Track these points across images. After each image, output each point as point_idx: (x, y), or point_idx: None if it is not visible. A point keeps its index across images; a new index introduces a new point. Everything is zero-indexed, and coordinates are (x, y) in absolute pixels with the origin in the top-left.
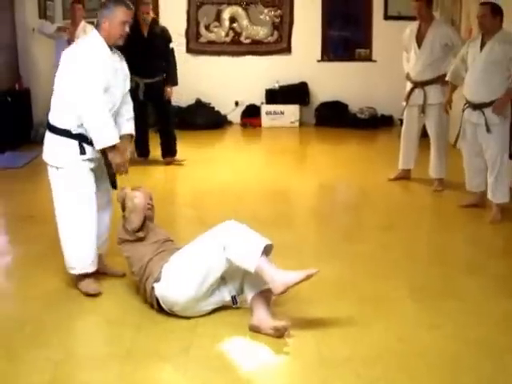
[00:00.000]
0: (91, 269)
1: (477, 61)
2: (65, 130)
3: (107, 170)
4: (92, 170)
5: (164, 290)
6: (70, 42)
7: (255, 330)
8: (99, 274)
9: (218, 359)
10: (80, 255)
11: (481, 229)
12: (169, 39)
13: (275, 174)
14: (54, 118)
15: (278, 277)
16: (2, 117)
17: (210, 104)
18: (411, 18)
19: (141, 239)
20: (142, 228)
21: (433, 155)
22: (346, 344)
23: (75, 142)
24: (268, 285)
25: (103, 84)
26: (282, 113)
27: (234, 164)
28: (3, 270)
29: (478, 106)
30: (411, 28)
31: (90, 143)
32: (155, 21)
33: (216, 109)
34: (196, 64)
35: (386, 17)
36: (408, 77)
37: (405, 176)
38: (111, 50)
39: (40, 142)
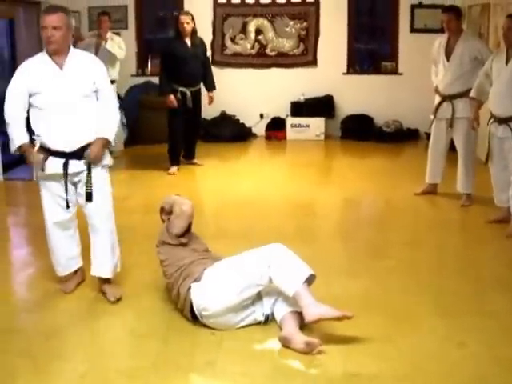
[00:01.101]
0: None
1: (502, 75)
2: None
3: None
4: (57, 185)
5: (201, 292)
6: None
7: (285, 342)
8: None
9: (245, 375)
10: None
11: (509, 244)
12: (206, 48)
13: (300, 187)
14: None
15: (313, 307)
16: (27, 128)
17: (234, 116)
18: (438, 31)
19: (182, 245)
20: (184, 234)
21: (460, 170)
22: (373, 361)
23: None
24: (301, 310)
25: (20, 89)
26: (308, 126)
27: (259, 177)
28: (26, 282)
29: (503, 120)
30: (440, 41)
31: (57, 155)
32: (195, 31)
33: (241, 121)
34: (221, 76)
35: (413, 29)
36: (436, 90)
37: (432, 190)
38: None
39: None
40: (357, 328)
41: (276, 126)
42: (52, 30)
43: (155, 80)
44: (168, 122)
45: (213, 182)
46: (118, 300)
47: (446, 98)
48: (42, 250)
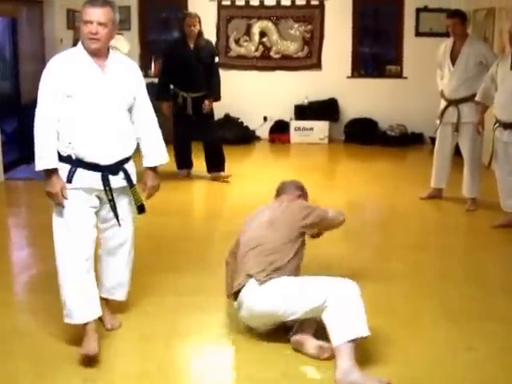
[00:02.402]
0: (74, 320)
1: (507, 80)
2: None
3: (109, 202)
4: (89, 205)
5: (259, 291)
6: None
7: (297, 345)
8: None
9: (251, 379)
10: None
11: None
12: (214, 53)
13: None
14: None
15: (347, 374)
16: (29, 128)
17: (238, 119)
18: (443, 35)
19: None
20: None
21: (466, 174)
22: (380, 365)
23: (66, 167)
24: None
25: (55, 91)
26: (311, 129)
27: (262, 180)
28: (29, 284)
29: (508, 125)
30: (445, 45)
31: (87, 168)
32: (201, 34)
33: (244, 124)
34: (225, 78)
35: (418, 33)
36: (442, 94)
37: (437, 195)
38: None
39: None
40: None
41: (280, 129)
42: (98, 27)
43: None
44: (172, 127)
45: (215, 184)
46: (112, 329)
47: (451, 103)
48: (43, 251)
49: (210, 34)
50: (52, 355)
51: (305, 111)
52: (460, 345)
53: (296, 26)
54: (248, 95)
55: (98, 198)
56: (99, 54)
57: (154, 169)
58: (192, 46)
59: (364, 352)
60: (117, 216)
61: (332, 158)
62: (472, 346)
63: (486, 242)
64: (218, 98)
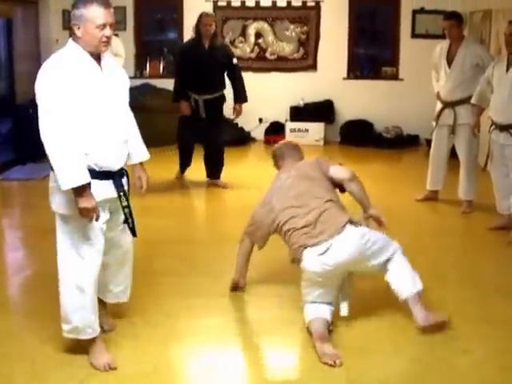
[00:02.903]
0: (81, 335)
1: (503, 82)
2: None
3: (123, 209)
4: (101, 223)
5: (350, 237)
6: None
7: (316, 338)
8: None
9: (243, 381)
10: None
11: (511, 251)
12: (232, 54)
13: None
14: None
15: (428, 316)
16: (24, 128)
17: (233, 120)
18: (439, 37)
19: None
20: None
21: (462, 176)
22: (376, 368)
23: None
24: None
25: (65, 97)
26: (307, 130)
27: (257, 181)
28: (25, 285)
29: (504, 127)
30: (441, 46)
31: (102, 178)
32: (216, 34)
33: (240, 125)
34: None
35: (414, 35)
36: (438, 96)
37: (433, 197)
38: (97, 58)
39: None
40: (359, 335)
41: (275, 131)
42: (110, 29)
43: (154, 82)
44: (177, 131)
45: (212, 187)
46: (111, 330)
47: (447, 105)
48: (38, 253)
49: None
50: (47, 356)
51: (300, 113)
52: (456, 347)
53: (292, 27)
54: None
55: (109, 209)
56: (98, 55)
57: (141, 164)
58: (207, 46)
59: (359, 354)
60: (132, 222)
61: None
62: (468, 348)
63: (481, 244)
64: (245, 99)
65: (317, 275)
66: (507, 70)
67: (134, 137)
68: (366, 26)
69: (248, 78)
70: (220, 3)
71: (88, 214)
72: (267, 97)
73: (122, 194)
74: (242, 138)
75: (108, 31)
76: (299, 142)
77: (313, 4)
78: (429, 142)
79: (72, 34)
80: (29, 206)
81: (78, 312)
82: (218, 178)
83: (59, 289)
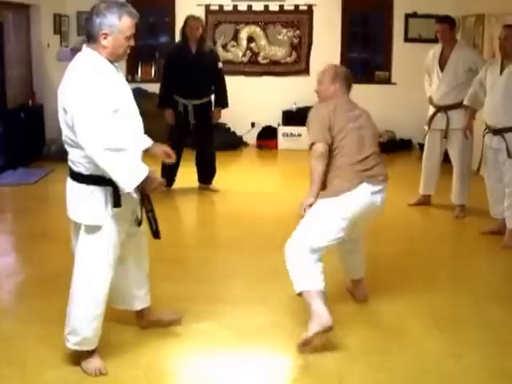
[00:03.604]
0: (88, 347)
1: (496, 85)
2: (92, 175)
3: (147, 214)
4: (123, 225)
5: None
6: None
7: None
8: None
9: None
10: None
11: (504, 256)
12: (218, 58)
13: (291, 196)
14: (76, 163)
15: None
16: (15, 133)
17: (225, 125)
18: (432, 41)
19: None
20: None
21: (455, 181)
22: (369, 372)
23: (108, 190)
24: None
25: (110, 108)
26: (299, 135)
27: (250, 185)
28: (16, 289)
29: (498, 131)
30: (434, 51)
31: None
32: (203, 38)
33: (232, 130)
34: None
35: (407, 39)
36: (430, 101)
37: (425, 201)
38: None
39: (52, 158)
40: (352, 339)
41: (267, 135)
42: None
43: (145, 86)
44: (168, 136)
45: (202, 191)
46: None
47: (440, 109)
48: (29, 257)
49: None
50: (39, 361)
51: (293, 117)
52: (448, 352)
53: (284, 31)
54: (235, 101)
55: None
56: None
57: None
58: (194, 50)
59: (352, 358)
60: (156, 225)
61: None
62: (460, 353)
63: (474, 248)
64: (225, 105)
65: (356, 213)
66: (500, 73)
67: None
68: (359, 30)
69: (240, 82)
70: (212, 7)
71: (159, 189)
72: (259, 101)
73: (146, 198)
74: (234, 143)
75: (132, 41)
76: (291, 146)
77: (305, 8)
78: (422, 146)
79: (90, 41)
80: (20, 211)
81: (92, 323)
82: (210, 183)
83: (73, 300)
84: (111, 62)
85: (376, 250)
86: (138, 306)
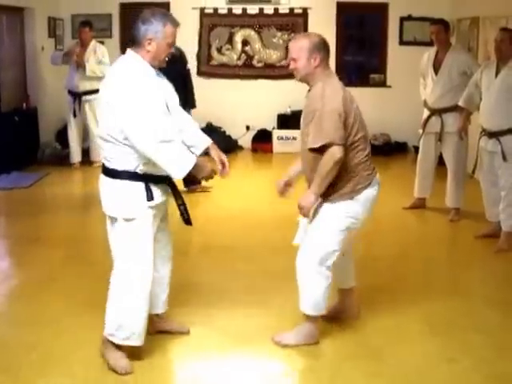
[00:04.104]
0: (141, 341)
1: (492, 88)
2: (127, 171)
3: (179, 207)
4: (155, 219)
5: None
6: (78, 64)
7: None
8: (160, 333)
9: None
10: (133, 324)
11: (499, 260)
12: (186, 60)
13: (286, 200)
14: (111, 159)
15: None
16: (9, 136)
17: (221, 128)
18: (427, 44)
19: None
20: None
21: (450, 184)
22: (363, 377)
23: (141, 185)
24: None
25: (158, 105)
26: (294, 138)
27: (245, 189)
28: (9, 294)
29: (493, 134)
30: (428, 54)
31: (159, 182)
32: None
33: (227, 133)
34: (207, 87)
35: (402, 42)
36: (425, 104)
37: (420, 205)
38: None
39: (47, 162)
40: (346, 344)
41: (262, 139)
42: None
43: None
44: None
45: (197, 194)
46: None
47: (434, 112)
48: (24, 261)
49: (192, 42)
50: (30, 368)
51: (288, 120)
52: (443, 356)
53: (279, 34)
54: (230, 104)
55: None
56: None
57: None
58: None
59: (345, 363)
60: (188, 216)
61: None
62: (455, 357)
63: (469, 252)
64: (193, 105)
65: (367, 214)
66: (496, 75)
67: (193, 128)
68: (354, 33)
69: (235, 85)
70: (207, 10)
71: (211, 177)
72: (254, 104)
73: (177, 193)
74: (229, 146)
75: (172, 49)
76: (286, 150)
77: (300, 11)
78: (417, 149)
79: (135, 46)
80: (15, 214)
81: (138, 318)
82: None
83: (115, 294)
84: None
85: (370, 253)
86: (160, 309)
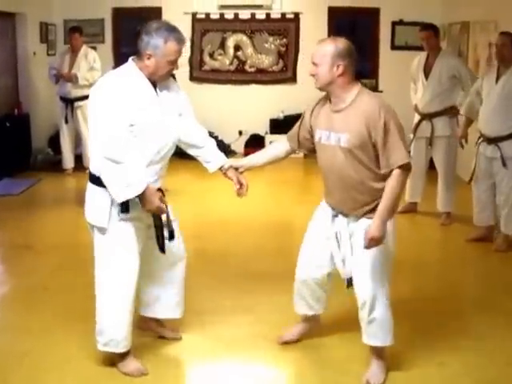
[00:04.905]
0: (121, 348)
1: (492, 93)
2: (100, 178)
3: (156, 235)
4: (138, 229)
5: None
6: (69, 80)
7: None
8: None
9: None
10: (111, 331)
11: (490, 263)
12: None
13: (279, 205)
14: (93, 165)
15: None
16: (1, 142)
17: (213, 133)
18: (418, 48)
19: None
20: None
21: (440, 188)
22: (355, 382)
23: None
24: None
25: (125, 121)
26: None
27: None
28: (0, 302)
29: (492, 140)
30: (419, 58)
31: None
32: None
33: (219, 138)
34: (199, 92)
35: (393, 47)
36: (416, 108)
37: (412, 209)
38: (155, 85)
39: (39, 168)
40: (335, 349)
41: (255, 143)
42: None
43: None
44: None
45: (189, 200)
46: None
47: (425, 117)
48: (15, 268)
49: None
50: (20, 375)
51: (280, 125)
52: (433, 360)
53: (271, 39)
54: (223, 109)
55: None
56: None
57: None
58: None
59: (335, 368)
60: (162, 242)
61: (307, 172)
62: (445, 361)
63: (460, 256)
64: None
65: None
66: (496, 81)
67: (209, 144)
68: (346, 39)
69: (227, 90)
70: (199, 15)
71: (158, 212)
72: (247, 109)
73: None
74: (222, 151)
75: (177, 66)
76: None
77: (292, 16)
78: (410, 153)
79: (138, 56)
80: (6, 221)
81: (117, 325)
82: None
83: (98, 301)
84: (154, 83)
85: None
86: (161, 314)
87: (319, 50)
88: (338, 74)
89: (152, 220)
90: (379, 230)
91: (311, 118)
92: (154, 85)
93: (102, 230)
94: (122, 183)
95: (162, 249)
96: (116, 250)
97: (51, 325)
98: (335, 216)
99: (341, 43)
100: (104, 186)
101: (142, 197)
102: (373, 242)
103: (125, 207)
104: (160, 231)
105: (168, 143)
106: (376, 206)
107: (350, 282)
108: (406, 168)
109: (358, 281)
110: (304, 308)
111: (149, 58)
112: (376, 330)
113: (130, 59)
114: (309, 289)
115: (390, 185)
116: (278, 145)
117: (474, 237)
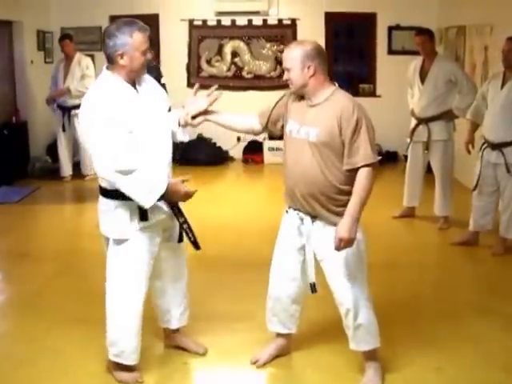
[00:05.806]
0: (130, 361)
1: (496, 99)
2: (116, 189)
3: (182, 229)
4: (152, 239)
5: None
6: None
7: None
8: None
9: None
10: (122, 342)
11: (488, 268)
12: (160, 74)
13: (277, 210)
14: (102, 180)
15: None
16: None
17: (211, 139)
18: (415, 53)
19: None
20: None
21: (437, 193)
22: None
23: (133, 205)
24: None
25: (123, 130)
26: None
27: (236, 201)
28: None
29: (496, 146)
30: (415, 63)
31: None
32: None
33: (218, 144)
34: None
35: (390, 51)
36: (412, 113)
37: (409, 213)
38: (134, 84)
39: (37, 176)
40: (332, 353)
41: (253, 150)
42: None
43: None
44: None
45: (189, 206)
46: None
47: (421, 121)
48: (12, 277)
49: (181, 54)
50: (16, 382)
51: None
52: (429, 365)
53: (268, 45)
54: None
55: (165, 230)
56: (133, 80)
57: None
58: None
59: (332, 372)
60: (194, 236)
61: None
62: (441, 366)
63: (457, 260)
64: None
65: None
66: (502, 86)
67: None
68: (343, 43)
69: (225, 96)
70: (196, 22)
71: (186, 198)
72: None
73: (177, 211)
74: (220, 158)
75: (149, 55)
76: (277, 160)
77: (289, 22)
78: (407, 158)
79: (110, 63)
80: (4, 229)
81: (127, 337)
82: None
83: (108, 312)
84: (133, 83)
85: None
86: (174, 325)
87: (288, 55)
88: (309, 74)
89: (168, 223)
90: (349, 231)
91: (288, 101)
92: (134, 85)
93: (120, 242)
94: (144, 190)
95: (195, 244)
96: (132, 262)
97: (47, 332)
98: (301, 223)
99: (308, 44)
100: (117, 198)
101: (166, 192)
102: (343, 243)
103: (144, 215)
104: (188, 226)
105: (160, 139)
106: (337, 209)
107: (313, 288)
108: (373, 167)
109: (337, 290)
110: (278, 326)
111: (122, 57)
112: (364, 334)
113: (104, 68)
114: (282, 306)
115: (359, 183)
116: (246, 115)
117: (459, 240)
